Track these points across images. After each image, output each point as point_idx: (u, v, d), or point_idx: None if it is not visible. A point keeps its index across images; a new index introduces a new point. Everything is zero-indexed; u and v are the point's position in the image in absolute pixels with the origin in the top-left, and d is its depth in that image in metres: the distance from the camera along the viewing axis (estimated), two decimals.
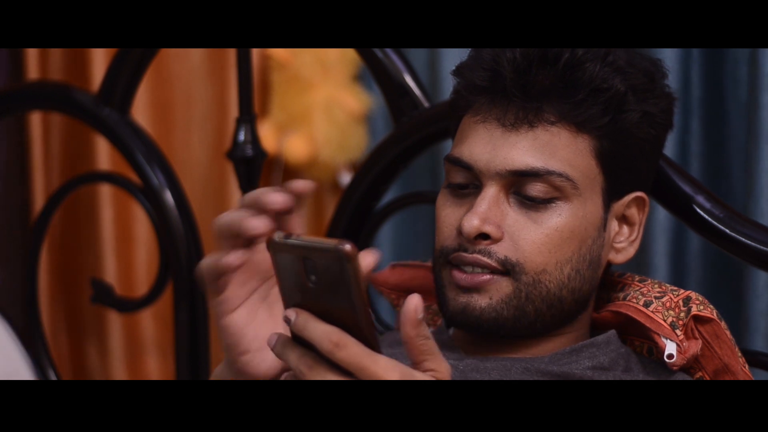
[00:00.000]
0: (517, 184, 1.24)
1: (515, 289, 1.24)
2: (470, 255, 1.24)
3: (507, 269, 1.24)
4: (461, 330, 1.30)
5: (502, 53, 1.24)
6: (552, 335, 1.29)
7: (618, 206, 1.29)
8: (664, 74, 1.31)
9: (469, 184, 1.27)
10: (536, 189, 1.24)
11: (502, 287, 1.24)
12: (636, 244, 1.31)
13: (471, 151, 1.26)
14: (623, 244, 1.30)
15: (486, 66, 1.26)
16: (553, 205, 1.24)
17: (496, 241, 1.24)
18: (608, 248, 1.29)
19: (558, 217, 1.24)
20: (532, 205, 1.24)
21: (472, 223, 1.23)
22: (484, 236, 1.24)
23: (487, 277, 1.24)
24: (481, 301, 1.25)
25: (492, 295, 1.25)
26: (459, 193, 1.28)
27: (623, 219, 1.30)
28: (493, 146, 1.25)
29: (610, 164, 1.26)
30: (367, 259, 0.99)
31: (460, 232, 1.25)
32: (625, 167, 1.27)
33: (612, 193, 1.28)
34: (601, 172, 1.26)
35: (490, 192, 1.25)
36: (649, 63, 1.28)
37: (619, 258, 1.30)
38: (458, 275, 1.26)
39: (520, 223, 1.24)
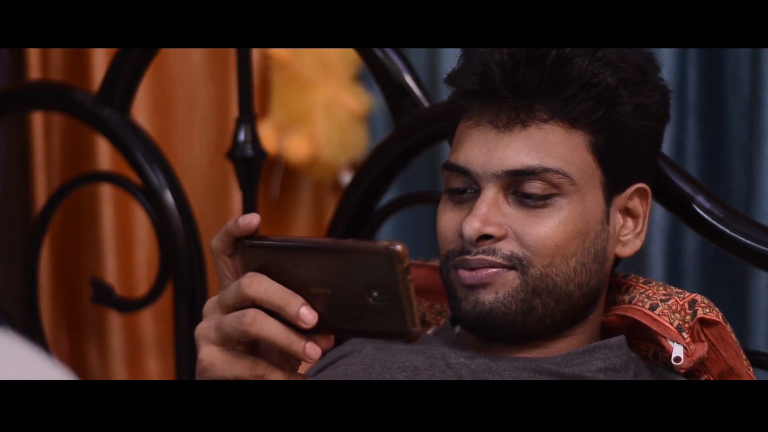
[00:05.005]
0: (515, 184, 1.24)
1: (522, 282, 1.24)
2: (474, 257, 1.24)
3: (514, 264, 1.24)
4: (475, 334, 1.29)
5: (489, 56, 1.25)
6: (563, 335, 1.28)
7: (620, 199, 1.29)
8: (657, 67, 1.31)
9: (467, 189, 1.27)
10: (534, 187, 1.24)
11: (508, 281, 1.24)
12: (642, 236, 1.31)
13: (467, 156, 1.26)
14: (629, 237, 1.30)
15: (475, 70, 1.26)
16: (552, 201, 1.24)
17: (500, 239, 1.24)
18: (614, 241, 1.29)
19: (559, 212, 1.24)
20: (532, 202, 1.24)
21: (473, 225, 1.23)
22: (486, 237, 1.24)
23: (493, 271, 1.24)
24: (487, 296, 1.24)
25: (498, 290, 1.24)
26: (458, 198, 1.28)
27: (627, 212, 1.30)
28: (488, 149, 1.25)
29: (607, 158, 1.26)
30: (254, 220, 1.04)
31: (462, 235, 1.25)
32: (623, 161, 1.27)
33: (612, 186, 1.28)
34: (599, 166, 1.26)
35: (489, 194, 1.25)
36: (641, 57, 1.29)
37: (626, 251, 1.30)
38: (463, 273, 1.25)
39: (522, 219, 1.24)
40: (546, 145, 1.24)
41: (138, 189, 1.72)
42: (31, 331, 1.80)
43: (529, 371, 1.23)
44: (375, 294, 0.99)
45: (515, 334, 1.26)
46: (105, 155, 2.15)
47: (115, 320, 2.20)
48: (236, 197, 2.06)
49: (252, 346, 1.06)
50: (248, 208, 1.66)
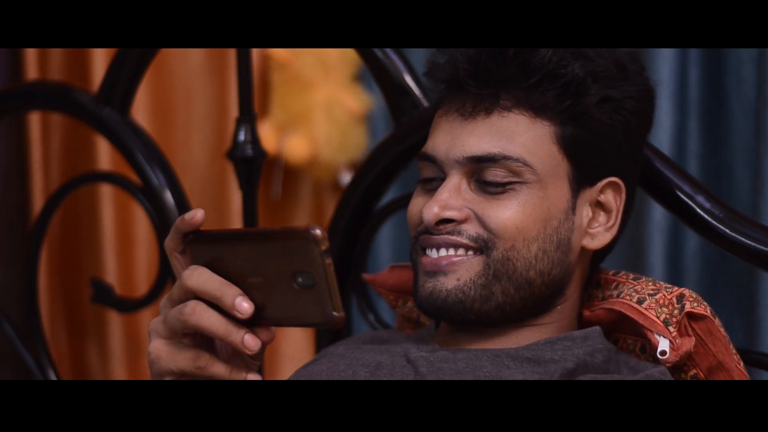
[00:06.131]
0: (478, 171, 1.27)
1: (484, 266, 1.25)
2: (438, 236, 1.27)
3: (480, 246, 1.25)
4: (431, 316, 1.32)
5: (459, 49, 1.28)
6: (527, 325, 1.29)
7: (590, 192, 1.29)
8: (642, 66, 1.31)
9: (435, 178, 1.30)
10: (495, 174, 1.26)
11: (472, 266, 1.26)
12: (613, 231, 1.31)
13: (434, 144, 1.29)
14: (599, 230, 1.30)
15: (446, 62, 1.29)
16: (513, 188, 1.26)
17: (462, 222, 1.26)
18: (581, 233, 1.29)
19: (518, 196, 1.25)
20: (492, 189, 1.26)
21: (432, 210, 1.26)
22: (447, 221, 1.26)
23: (457, 258, 1.26)
24: (447, 283, 1.26)
25: (460, 276, 1.26)
26: (428, 186, 1.31)
27: (598, 205, 1.30)
28: (453, 136, 1.28)
29: (574, 150, 1.27)
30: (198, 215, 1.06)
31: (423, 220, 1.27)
32: (592, 153, 1.28)
33: (580, 178, 1.28)
34: (566, 157, 1.27)
35: (452, 181, 1.27)
36: (623, 54, 1.29)
37: (594, 244, 1.30)
38: (424, 260, 1.28)
39: (483, 203, 1.26)
40: (508, 134, 1.26)
41: (138, 189, 1.72)
42: (31, 331, 1.80)
43: (488, 357, 1.24)
44: (299, 279, 1.01)
45: (472, 321, 1.27)
46: (105, 155, 2.15)
47: (115, 320, 2.20)
48: (236, 197, 2.06)
49: (205, 340, 1.08)
50: (248, 208, 1.66)
